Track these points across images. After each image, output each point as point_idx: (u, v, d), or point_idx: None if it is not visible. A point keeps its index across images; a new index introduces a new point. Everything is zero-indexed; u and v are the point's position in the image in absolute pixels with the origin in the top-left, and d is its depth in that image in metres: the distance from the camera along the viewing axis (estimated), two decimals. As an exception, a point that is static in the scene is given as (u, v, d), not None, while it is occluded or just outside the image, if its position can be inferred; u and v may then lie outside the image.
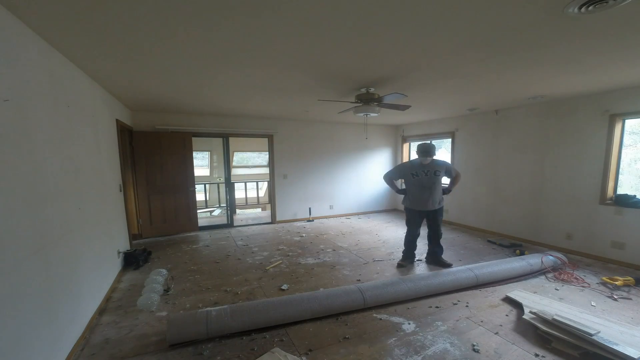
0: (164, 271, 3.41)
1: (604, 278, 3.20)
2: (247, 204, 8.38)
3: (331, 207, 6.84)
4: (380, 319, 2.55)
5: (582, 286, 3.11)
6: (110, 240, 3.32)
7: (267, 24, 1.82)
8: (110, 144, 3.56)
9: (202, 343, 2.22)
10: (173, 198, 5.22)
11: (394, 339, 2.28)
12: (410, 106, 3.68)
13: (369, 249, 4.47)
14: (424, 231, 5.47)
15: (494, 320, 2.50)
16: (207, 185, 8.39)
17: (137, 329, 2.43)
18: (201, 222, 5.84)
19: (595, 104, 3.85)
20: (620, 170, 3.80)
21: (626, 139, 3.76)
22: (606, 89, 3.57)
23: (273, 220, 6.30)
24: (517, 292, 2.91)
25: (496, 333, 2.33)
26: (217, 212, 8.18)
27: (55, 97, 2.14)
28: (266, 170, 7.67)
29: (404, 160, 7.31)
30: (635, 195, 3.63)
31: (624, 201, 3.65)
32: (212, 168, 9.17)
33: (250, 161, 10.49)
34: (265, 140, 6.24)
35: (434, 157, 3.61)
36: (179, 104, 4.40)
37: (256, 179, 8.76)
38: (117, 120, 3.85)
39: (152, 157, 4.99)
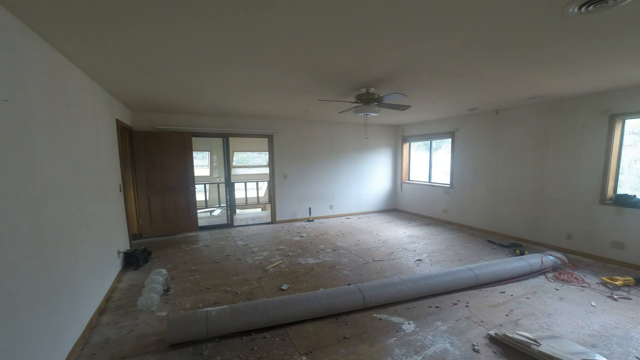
0: (164, 271, 3.41)
1: (604, 278, 3.20)
2: (247, 204, 8.38)
3: (331, 207, 6.84)
4: (380, 319, 2.54)
5: (582, 286, 3.11)
6: (110, 240, 3.32)
7: (266, 23, 1.82)
8: (110, 144, 3.56)
9: (202, 343, 2.23)
10: (173, 198, 5.22)
11: (394, 339, 2.28)
12: (410, 106, 3.68)
13: (369, 249, 4.47)
14: (423, 231, 5.48)
15: (494, 320, 2.50)
16: (207, 185, 8.39)
17: (137, 329, 2.43)
18: (201, 222, 5.85)
19: (595, 104, 3.85)
20: (620, 170, 3.80)
21: (626, 139, 3.76)
22: (606, 89, 3.57)
23: (273, 220, 6.30)
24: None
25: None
26: (217, 212, 8.18)
27: (55, 97, 2.14)
28: (266, 170, 7.68)
29: (404, 161, 7.31)
30: (635, 195, 3.63)
31: (624, 201, 3.65)
32: (212, 168, 9.17)
33: (250, 161, 10.48)
34: (265, 140, 6.24)
35: None
36: (179, 104, 4.40)
37: (256, 179, 8.76)
38: (117, 120, 3.85)
39: (152, 157, 4.99)
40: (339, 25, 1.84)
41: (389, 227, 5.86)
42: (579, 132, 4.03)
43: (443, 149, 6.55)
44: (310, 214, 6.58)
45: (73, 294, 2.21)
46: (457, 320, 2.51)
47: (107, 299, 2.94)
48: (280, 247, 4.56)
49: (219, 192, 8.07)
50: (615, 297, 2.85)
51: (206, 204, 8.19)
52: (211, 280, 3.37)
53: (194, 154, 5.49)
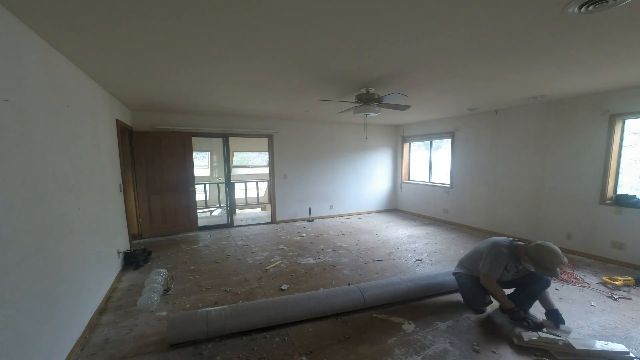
0: (164, 271, 3.41)
1: (604, 278, 3.20)
2: (247, 204, 8.38)
3: (331, 207, 6.84)
4: (380, 319, 2.54)
5: (582, 286, 3.11)
6: (110, 240, 3.32)
7: (265, 22, 1.82)
8: (110, 144, 3.55)
9: (202, 343, 2.22)
10: (173, 198, 5.22)
11: (394, 339, 2.27)
12: (410, 106, 3.68)
13: (369, 249, 4.47)
14: (423, 231, 5.45)
15: (494, 320, 2.50)
16: (207, 185, 8.39)
17: (137, 329, 2.43)
18: (201, 222, 5.84)
19: (595, 104, 3.85)
20: (620, 170, 3.80)
21: (626, 139, 3.76)
22: (606, 89, 3.57)
23: (273, 220, 6.30)
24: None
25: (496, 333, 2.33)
26: (217, 212, 8.18)
27: (55, 97, 2.14)
28: (266, 170, 7.68)
29: (404, 161, 7.31)
30: (635, 195, 3.62)
31: (624, 201, 3.64)
32: (212, 168, 9.17)
33: (250, 161, 10.49)
34: (265, 140, 6.24)
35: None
36: (179, 104, 4.40)
37: (256, 179, 8.76)
38: (117, 120, 3.85)
39: (152, 157, 4.99)
40: (339, 24, 1.84)
41: (389, 227, 5.86)
42: (579, 132, 4.02)
43: (443, 149, 6.55)
44: (310, 214, 6.58)
45: (73, 294, 2.21)
46: (457, 320, 2.51)
47: (107, 298, 2.94)
48: (280, 247, 4.56)
49: (219, 192, 8.07)
50: (615, 297, 2.85)
51: (206, 204, 8.19)
52: (211, 280, 3.37)
53: (194, 154, 5.49)
